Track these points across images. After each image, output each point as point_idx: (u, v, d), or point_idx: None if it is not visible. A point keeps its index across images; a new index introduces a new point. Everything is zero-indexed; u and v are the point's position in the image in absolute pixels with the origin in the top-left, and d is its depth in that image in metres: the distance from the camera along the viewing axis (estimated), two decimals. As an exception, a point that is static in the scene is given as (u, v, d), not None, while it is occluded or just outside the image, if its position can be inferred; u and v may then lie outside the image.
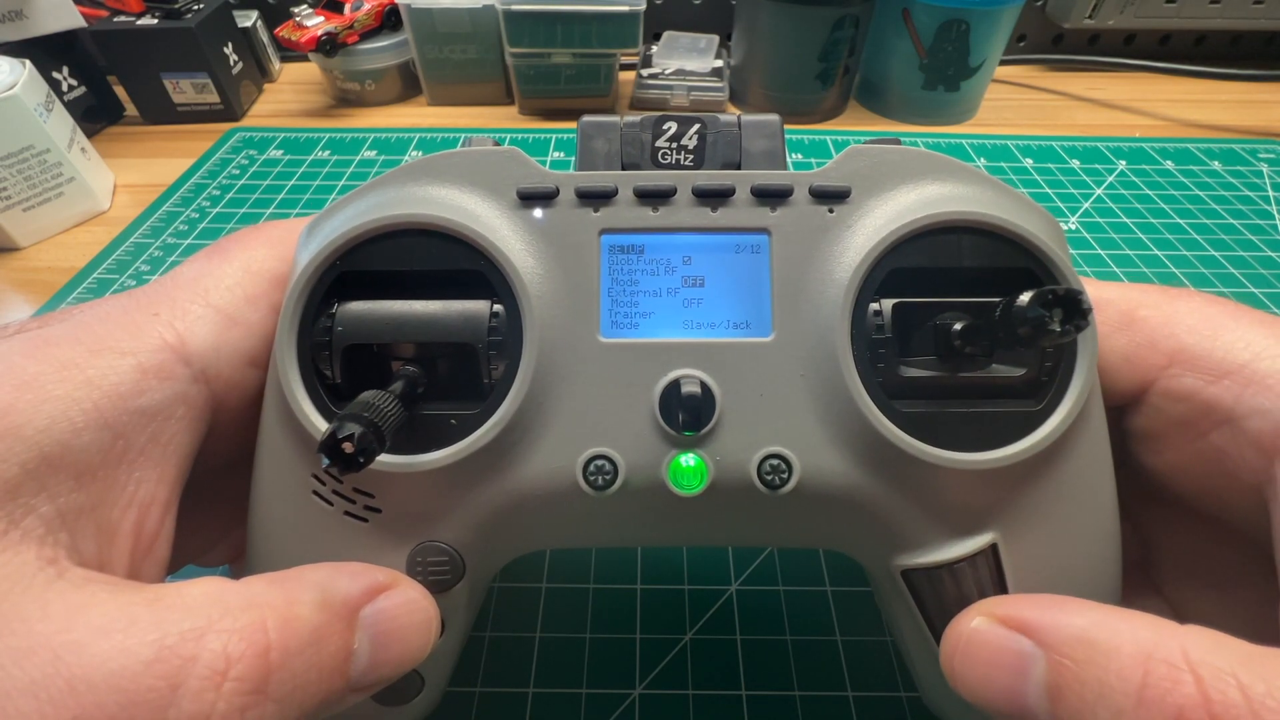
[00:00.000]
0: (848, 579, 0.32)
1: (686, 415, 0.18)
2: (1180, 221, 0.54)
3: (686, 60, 0.69)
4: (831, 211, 0.20)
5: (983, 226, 0.19)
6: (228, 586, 0.16)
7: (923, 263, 0.19)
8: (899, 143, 0.20)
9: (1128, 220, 0.54)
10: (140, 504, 0.18)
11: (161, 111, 0.65)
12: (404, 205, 0.19)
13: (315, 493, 0.20)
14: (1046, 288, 0.15)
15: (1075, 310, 0.15)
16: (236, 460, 0.22)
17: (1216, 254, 0.50)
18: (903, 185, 0.20)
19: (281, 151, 0.62)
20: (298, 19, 0.63)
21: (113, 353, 0.18)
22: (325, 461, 0.15)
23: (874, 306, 0.19)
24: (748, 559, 0.32)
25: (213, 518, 0.25)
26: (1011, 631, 0.17)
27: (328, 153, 0.62)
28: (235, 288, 0.20)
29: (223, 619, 0.15)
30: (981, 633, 0.17)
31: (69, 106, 0.59)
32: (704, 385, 0.19)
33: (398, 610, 0.18)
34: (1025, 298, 0.16)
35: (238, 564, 0.26)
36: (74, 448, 0.16)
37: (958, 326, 0.18)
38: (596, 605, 0.31)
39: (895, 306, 0.19)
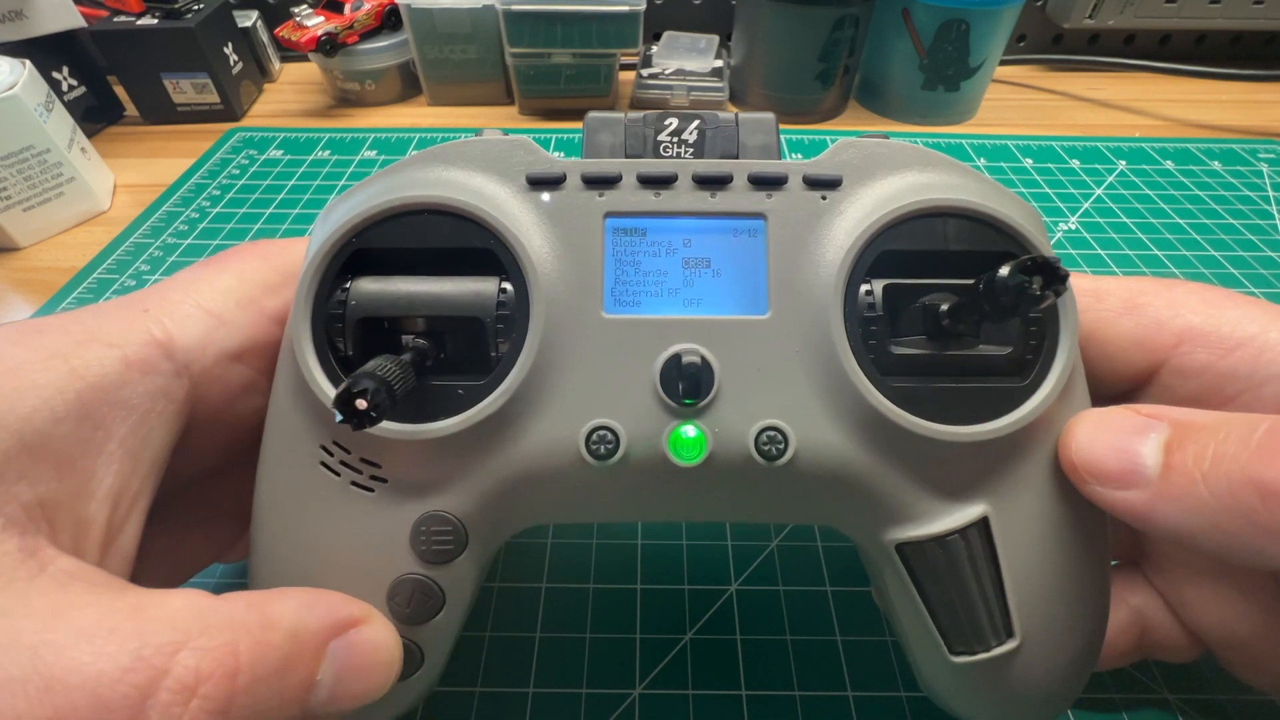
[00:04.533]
0: (848, 579, 0.32)
1: (686, 385, 0.19)
2: (1180, 221, 0.54)
3: (686, 60, 0.69)
4: (824, 198, 0.20)
5: (966, 212, 0.20)
6: (207, 604, 0.16)
7: (911, 246, 0.20)
8: (887, 138, 0.21)
9: (1128, 220, 0.54)
10: (115, 495, 0.18)
11: (161, 111, 0.65)
12: (418, 187, 0.20)
13: (323, 463, 0.20)
14: (1024, 256, 0.16)
15: (1053, 275, 0.16)
16: (236, 463, 0.22)
17: (1216, 254, 0.51)
18: (891, 175, 0.21)
19: (281, 151, 0.62)
20: (298, 19, 0.63)
21: (100, 344, 0.18)
22: (338, 417, 0.16)
23: (865, 287, 0.20)
24: (748, 559, 0.32)
25: (228, 522, 0.25)
26: (1139, 414, 0.18)
27: (328, 153, 0.62)
28: (228, 292, 0.21)
29: (199, 637, 0.15)
30: (1114, 410, 0.19)
31: (69, 106, 0.59)
32: (703, 357, 0.20)
33: (365, 647, 0.18)
34: (1005, 269, 0.16)
35: None
36: (55, 436, 0.16)
37: (945, 306, 0.19)
38: (596, 605, 0.31)
39: (886, 287, 0.20)
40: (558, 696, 0.28)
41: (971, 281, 0.18)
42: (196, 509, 0.24)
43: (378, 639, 0.19)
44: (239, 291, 0.21)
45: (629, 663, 0.29)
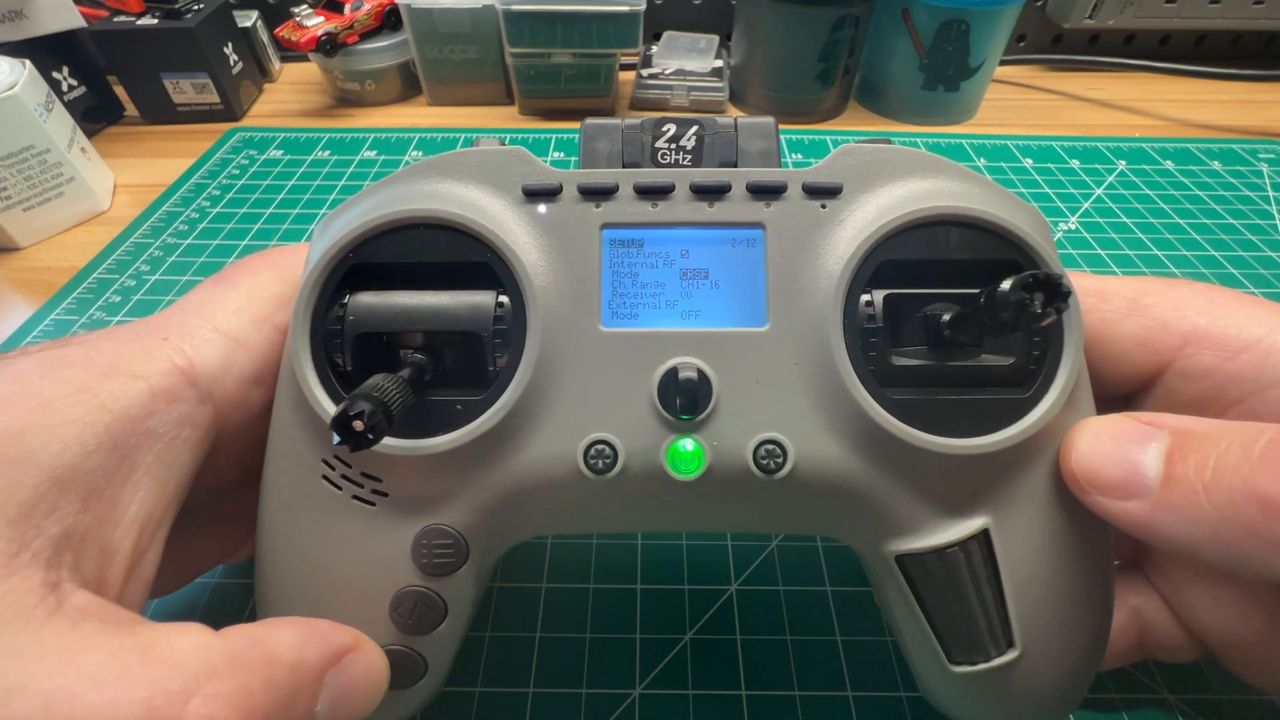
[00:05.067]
0: (848, 579, 0.32)
1: (684, 400, 0.19)
2: (1180, 221, 0.54)
3: (686, 60, 0.69)
4: (824, 207, 0.20)
5: (969, 220, 0.19)
6: (212, 643, 0.16)
7: (912, 255, 0.19)
8: (890, 143, 0.21)
9: (1128, 220, 0.54)
10: (140, 524, 0.18)
11: (161, 111, 0.65)
12: (414, 201, 0.20)
13: (325, 477, 0.20)
14: (1027, 272, 0.16)
15: (1056, 292, 0.15)
16: (252, 475, 0.22)
17: (1216, 254, 0.50)
18: (893, 182, 0.20)
19: (281, 151, 0.62)
20: (298, 19, 0.63)
21: (125, 376, 0.18)
22: (336, 439, 0.16)
23: (865, 297, 0.19)
24: (748, 559, 0.32)
25: (236, 528, 0.25)
26: (1139, 422, 0.18)
27: (328, 153, 0.62)
28: (241, 311, 0.21)
29: (210, 681, 0.15)
30: (1114, 418, 0.19)
31: (69, 106, 0.58)
32: (700, 372, 0.19)
33: (358, 674, 0.19)
34: (1007, 284, 0.16)
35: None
36: (84, 469, 0.16)
37: (946, 317, 0.19)
38: (596, 605, 0.31)
39: (886, 298, 0.20)
40: (558, 696, 0.28)
41: (974, 291, 0.18)
42: (208, 517, 0.24)
43: (369, 664, 0.19)
44: (252, 309, 0.21)
45: (629, 663, 0.29)
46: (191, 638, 0.16)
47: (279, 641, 0.17)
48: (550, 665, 0.29)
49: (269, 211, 0.54)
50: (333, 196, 0.56)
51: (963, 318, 0.19)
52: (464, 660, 0.29)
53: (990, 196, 0.20)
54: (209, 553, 0.25)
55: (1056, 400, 0.19)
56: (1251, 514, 0.15)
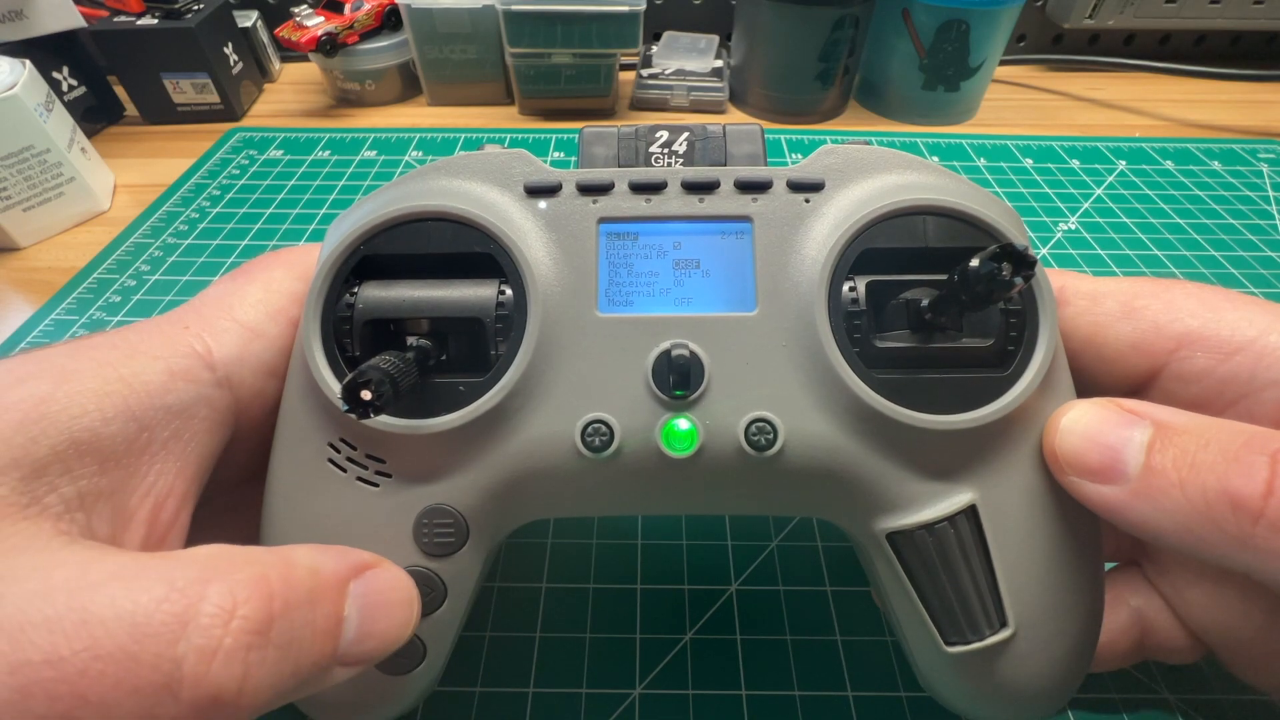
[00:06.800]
0: (848, 579, 0.32)
1: (677, 377, 0.20)
2: (1180, 221, 0.54)
3: (686, 60, 0.69)
4: (807, 201, 0.21)
5: (943, 210, 0.20)
6: (230, 548, 0.17)
7: (891, 244, 0.20)
8: (868, 143, 0.22)
9: (1128, 220, 0.54)
10: (158, 494, 0.19)
11: (161, 111, 0.65)
12: (423, 197, 0.21)
13: (330, 460, 0.21)
14: (992, 246, 0.17)
15: (1022, 261, 0.16)
16: (264, 472, 0.23)
17: (1216, 254, 0.51)
18: (871, 177, 0.22)
19: (281, 151, 0.62)
20: (298, 19, 0.63)
21: (145, 357, 0.19)
22: (344, 406, 0.17)
23: (849, 284, 0.20)
24: (748, 559, 0.32)
25: (249, 518, 0.26)
26: (1124, 410, 0.19)
27: (328, 153, 0.62)
28: (258, 304, 0.22)
29: (229, 570, 0.16)
30: (1099, 402, 0.19)
31: (69, 106, 0.59)
32: (692, 351, 0.20)
33: (384, 585, 0.19)
34: (975, 260, 0.17)
35: None
36: (102, 435, 0.17)
37: (925, 301, 0.20)
38: (596, 605, 0.31)
39: (869, 284, 0.21)
40: (558, 696, 0.28)
41: (950, 276, 0.18)
42: (227, 510, 0.24)
43: (394, 578, 0.19)
44: (268, 302, 0.22)
45: (629, 663, 0.29)
46: (206, 547, 0.17)
47: (294, 551, 0.18)
48: (550, 665, 0.29)
49: (269, 211, 0.54)
50: (333, 196, 0.56)
51: (941, 299, 0.19)
52: (464, 660, 0.29)
53: (962, 190, 0.21)
54: (239, 537, 0.26)
55: (1033, 379, 0.20)
56: (1223, 511, 0.15)
